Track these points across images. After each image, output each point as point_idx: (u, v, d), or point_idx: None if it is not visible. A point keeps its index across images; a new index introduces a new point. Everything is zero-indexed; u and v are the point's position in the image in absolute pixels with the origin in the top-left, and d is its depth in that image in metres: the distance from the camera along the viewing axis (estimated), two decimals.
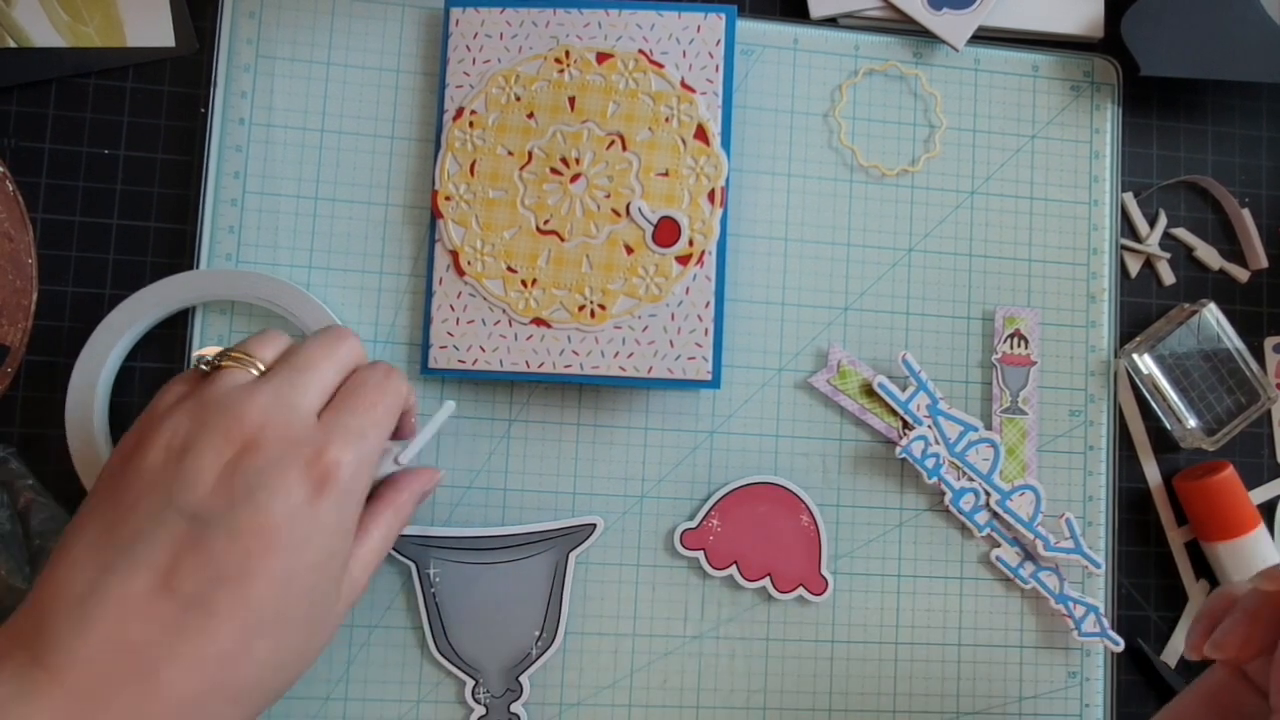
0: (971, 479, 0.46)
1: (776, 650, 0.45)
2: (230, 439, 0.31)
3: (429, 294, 0.43)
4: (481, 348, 0.43)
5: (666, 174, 0.43)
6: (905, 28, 0.48)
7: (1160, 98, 0.50)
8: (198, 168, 0.43)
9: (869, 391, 0.46)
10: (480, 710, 0.42)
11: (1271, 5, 0.48)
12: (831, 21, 0.48)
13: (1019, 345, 0.47)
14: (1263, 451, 0.50)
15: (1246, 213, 0.50)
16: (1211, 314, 0.47)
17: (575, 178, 0.43)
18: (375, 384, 0.35)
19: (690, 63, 0.44)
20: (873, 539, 0.46)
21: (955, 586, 0.46)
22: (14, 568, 0.39)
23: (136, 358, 0.43)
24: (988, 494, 0.46)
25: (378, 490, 0.38)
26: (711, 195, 0.43)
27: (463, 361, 0.43)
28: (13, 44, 0.42)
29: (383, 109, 0.44)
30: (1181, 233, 0.50)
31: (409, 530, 0.43)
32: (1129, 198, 0.49)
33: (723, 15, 0.44)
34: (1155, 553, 0.48)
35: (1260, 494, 0.49)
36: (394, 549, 0.42)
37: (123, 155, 0.43)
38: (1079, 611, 0.46)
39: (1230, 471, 0.46)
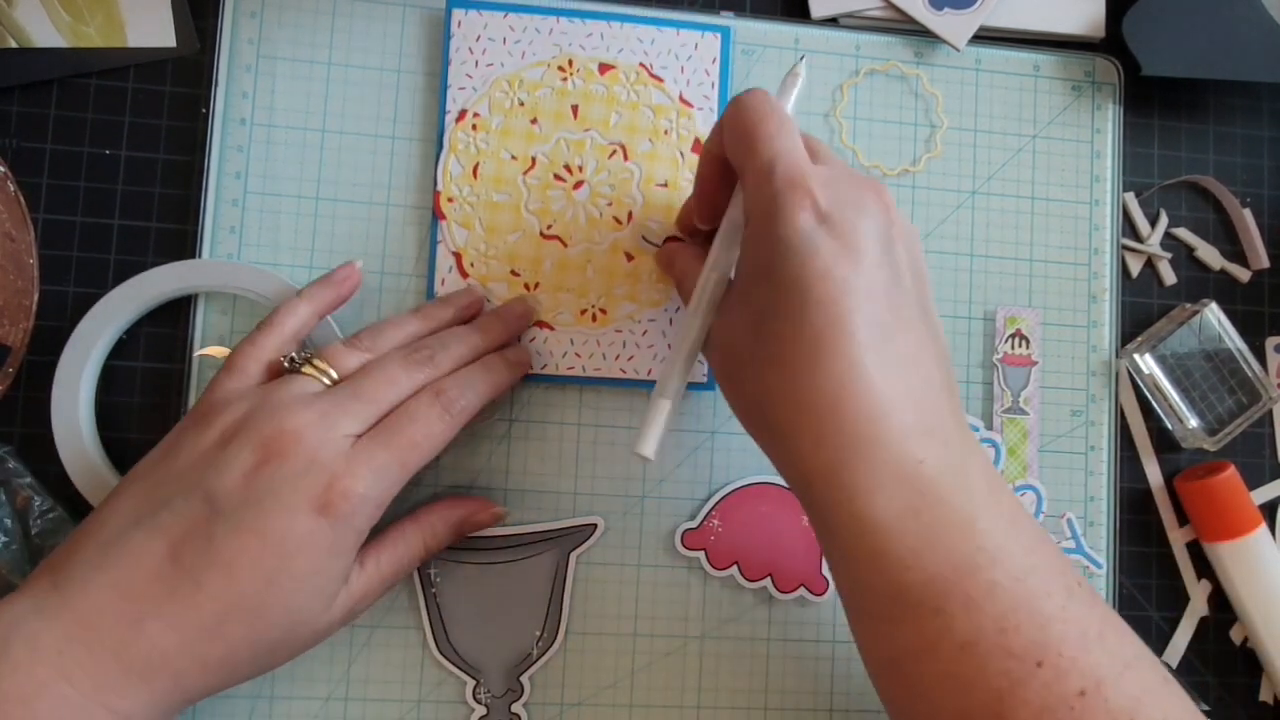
0: None
1: (777, 650, 0.45)
2: (266, 444, 0.34)
3: (430, 295, 0.43)
4: None
5: (666, 185, 0.44)
6: (906, 28, 0.48)
7: (1161, 97, 0.50)
8: (199, 168, 0.43)
9: None
10: (481, 710, 0.42)
11: (1273, 5, 0.48)
12: (832, 21, 0.48)
13: (1020, 345, 0.47)
14: (1264, 452, 0.50)
15: (1248, 212, 0.50)
16: (1213, 314, 0.47)
17: (579, 185, 0.44)
18: (421, 422, 0.36)
19: (688, 78, 0.44)
20: None
21: None
22: (13, 566, 0.39)
23: (136, 358, 0.43)
24: None
25: (412, 511, 0.40)
26: None
27: None
28: (14, 44, 0.42)
29: (384, 109, 0.45)
30: (1183, 233, 0.50)
31: None
32: (1130, 197, 0.49)
33: (718, 35, 0.44)
34: (1156, 553, 0.48)
35: (1261, 494, 0.49)
36: None
37: (124, 155, 0.43)
38: None
39: (1231, 472, 0.46)
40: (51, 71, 0.43)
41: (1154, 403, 0.48)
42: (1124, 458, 0.48)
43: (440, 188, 0.43)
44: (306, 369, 0.37)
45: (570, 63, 0.44)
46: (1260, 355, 0.50)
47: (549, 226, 0.43)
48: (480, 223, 0.43)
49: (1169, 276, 0.50)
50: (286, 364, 0.38)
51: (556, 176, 0.44)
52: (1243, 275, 0.50)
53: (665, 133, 0.44)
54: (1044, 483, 0.46)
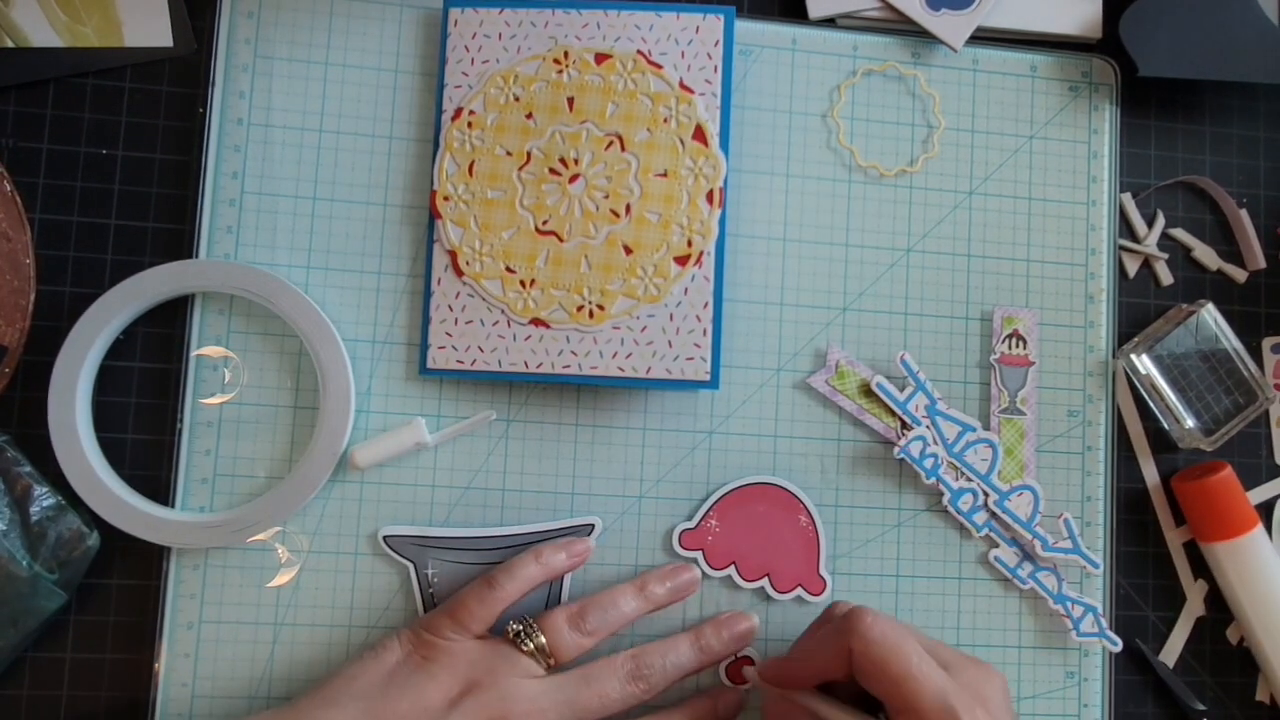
0: (970, 479, 0.46)
1: (776, 650, 0.45)
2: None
3: (427, 294, 0.43)
4: (480, 348, 0.43)
5: (665, 174, 0.43)
6: (904, 28, 0.48)
7: (1158, 98, 0.50)
8: (196, 168, 0.43)
9: (867, 392, 0.46)
10: None
11: (1269, 6, 0.48)
12: (830, 22, 0.48)
13: (1017, 345, 0.47)
14: (1260, 452, 0.50)
15: (1244, 213, 0.50)
16: (1209, 314, 0.47)
17: (574, 178, 0.43)
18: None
19: (689, 63, 0.44)
20: (871, 539, 0.46)
21: (953, 587, 0.46)
22: (13, 555, 0.39)
23: (133, 358, 0.43)
24: (986, 494, 0.46)
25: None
26: (710, 196, 0.43)
27: (461, 362, 0.43)
28: (11, 44, 0.42)
29: (381, 109, 0.44)
30: (1179, 233, 0.50)
31: (407, 530, 0.43)
32: (1127, 198, 0.49)
33: (721, 16, 0.44)
34: (1153, 553, 0.49)
35: (1258, 494, 0.49)
36: (393, 549, 0.42)
37: (121, 155, 0.43)
38: (1077, 612, 0.46)
39: (1228, 472, 0.47)
40: (48, 71, 0.43)
41: (1151, 403, 0.48)
42: (1121, 458, 0.48)
43: (436, 186, 0.43)
44: (526, 645, 0.39)
45: (566, 54, 0.44)
46: (1257, 355, 0.50)
47: (544, 221, 0.43)
48: (475, 220, 0.43)
49: (1166, 277, 0.50)
50: (513, 635, 0.40)
51: (552, 170, 0.43)
52: (1239, 276, 0.50)
53: (664, 120, 0.44)
54: (1041, 483, 0.46)
